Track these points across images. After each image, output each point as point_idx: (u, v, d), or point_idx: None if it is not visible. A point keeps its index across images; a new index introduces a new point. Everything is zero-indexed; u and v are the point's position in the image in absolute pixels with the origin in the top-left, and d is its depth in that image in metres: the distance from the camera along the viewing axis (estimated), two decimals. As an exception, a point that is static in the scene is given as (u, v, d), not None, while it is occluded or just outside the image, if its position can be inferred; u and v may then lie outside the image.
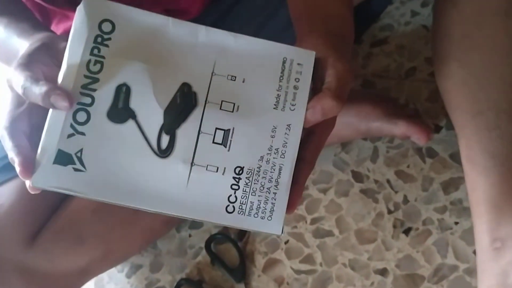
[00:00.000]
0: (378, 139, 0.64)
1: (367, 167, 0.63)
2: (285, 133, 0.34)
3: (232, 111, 0.34)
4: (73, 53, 0.34)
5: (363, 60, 0.72)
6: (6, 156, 0.60)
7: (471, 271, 0.52)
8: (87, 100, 0.33)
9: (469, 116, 0.46)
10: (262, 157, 0.33)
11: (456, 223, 0.55)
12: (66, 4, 0.64)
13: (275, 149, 0.34)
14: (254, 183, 0.33)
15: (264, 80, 0.34)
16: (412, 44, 0.70)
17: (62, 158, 0.33)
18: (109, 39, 0.34)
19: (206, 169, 0.33)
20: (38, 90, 0.33)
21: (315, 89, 0.35)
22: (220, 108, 0.34)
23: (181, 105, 0.34)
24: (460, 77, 0.47)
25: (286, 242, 0.62)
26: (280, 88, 0.34)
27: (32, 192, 0.36)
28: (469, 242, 0.54)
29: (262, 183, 0.33)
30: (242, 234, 0.65)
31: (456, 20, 0.46)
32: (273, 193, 0.33)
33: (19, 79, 0.35)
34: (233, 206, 0.33)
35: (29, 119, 0.38)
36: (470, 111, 0.46)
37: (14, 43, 0.46)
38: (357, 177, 0.63)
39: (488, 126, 0.45)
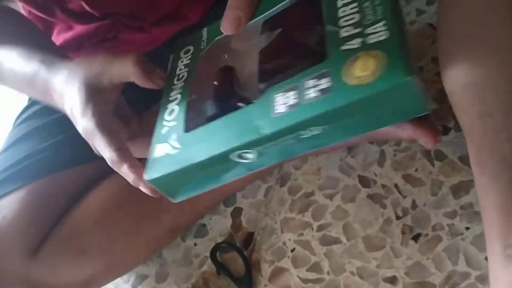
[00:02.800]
0: (385, 142, 0.62)
1: (374, 171, 0.61)
2: None
3: None
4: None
5: (368, 61, 0.70)
6: (7, 168, 0.61)
7: (484, 278, 0.50)
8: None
9: (476, 118, 0.44)
10: None
11: (467, 228, 0.53)
12: (65, 16, 0.63)
13: None
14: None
15: None
16: (418, 44, 0.68)
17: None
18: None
19: None
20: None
21: None
22: None
23: None
24: (466, 78, 0.45)
25: (292, 250, 0.61)
26: None
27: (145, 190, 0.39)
28: (481, 248, 0.52)
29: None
30: (248, 242, 0.64)
31: (460, 19, 0.45)
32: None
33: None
34: None
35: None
36: (478, 113, 0.44)
37: (41, 77, 0.46)
38: (364, 182, 0.61)
39: (497, 128, 0.43)
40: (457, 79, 0.46)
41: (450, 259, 0.53)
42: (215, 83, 0.39)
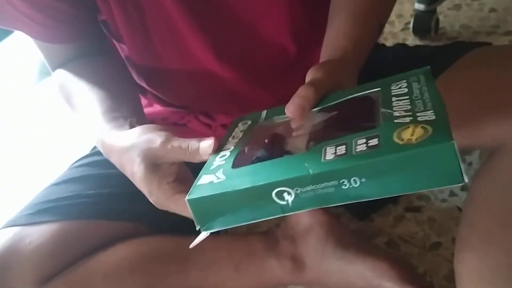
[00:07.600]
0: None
1: None
2: None
3: None
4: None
5: (394, 220, 0.75)
6: (51, 201, 0.67)
7: None
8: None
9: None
10: None
11: None
12: (149, 96, 0.73)
13: None
14: None
15: None
16: (443, 221, 0.73)
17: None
18: None
19: None
20: None
21: None
22: None
23: None
24: (476, 267, 0.49)
25: None
26: None
27: None
28: None
29: None
30: None
31: (482, 214, 0.50)
32: None
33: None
34: None
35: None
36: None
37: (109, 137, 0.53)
38: None
39: None
40: (467, 265, 0.50)
41: None
42: (266, 140, 0.42)
